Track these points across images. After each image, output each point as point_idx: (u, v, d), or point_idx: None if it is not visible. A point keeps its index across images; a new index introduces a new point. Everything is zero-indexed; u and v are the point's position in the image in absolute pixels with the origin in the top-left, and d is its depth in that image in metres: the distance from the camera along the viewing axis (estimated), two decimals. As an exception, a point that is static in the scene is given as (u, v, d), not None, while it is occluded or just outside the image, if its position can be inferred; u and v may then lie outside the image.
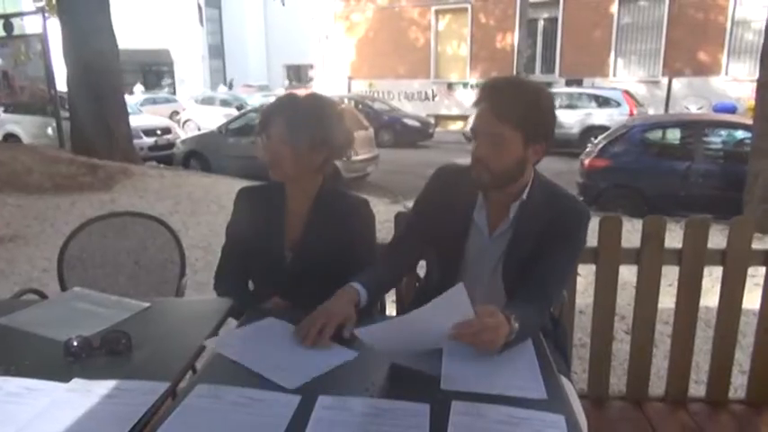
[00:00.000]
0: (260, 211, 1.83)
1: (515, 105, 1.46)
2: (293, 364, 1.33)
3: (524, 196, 1.58)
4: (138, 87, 25.45)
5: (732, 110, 13.42)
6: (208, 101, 19.52)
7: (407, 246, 1.74)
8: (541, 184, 1.61)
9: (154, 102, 19.59)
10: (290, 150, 1.70)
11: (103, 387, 1.22)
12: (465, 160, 1.61)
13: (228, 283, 1.87)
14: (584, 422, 1.48)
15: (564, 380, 1.57)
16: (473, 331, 1.25)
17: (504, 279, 1.61)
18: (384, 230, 1.83)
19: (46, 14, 10.02)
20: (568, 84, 16.35)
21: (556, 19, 17.51)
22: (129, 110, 10.28)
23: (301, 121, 1.70)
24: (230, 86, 29.60)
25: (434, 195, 1.70)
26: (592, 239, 2.31)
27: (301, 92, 1.95)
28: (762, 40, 5.75)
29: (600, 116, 12.73)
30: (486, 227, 1.62)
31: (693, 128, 7.21)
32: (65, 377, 1.25)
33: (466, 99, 18.31)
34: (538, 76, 17.60)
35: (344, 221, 1.77)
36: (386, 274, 1.66)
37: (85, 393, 1.20)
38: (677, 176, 6.73)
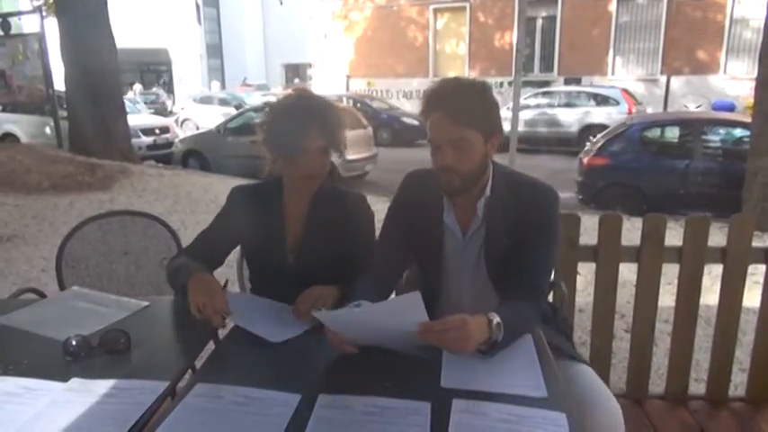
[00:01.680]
0: (257, 212, 1.79)
1: (469, 106, 1.46)
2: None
3: (488, 191, 1.58)
4: (138, 87, 25.30)
5: (731, 108, 13.42)
6: (206, 100, 19.49)
7: (391, 255, 1.70)
8: (502, 176, 1.61)
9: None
10: (327, 158, 1.72)
11: (102, 386, 1.22)
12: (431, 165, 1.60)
13: (184, 260, 1.76)
14: (617, 408, 1.48)
15: (582, 366, 1.57)
16: (438, 329, 1.24)
17: (490, 275, 1.60)
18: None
19: (44, 13, 9.99)
20: (567, 82, 16.35)
21: (554, 17, 17.49)
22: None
23: (332, 125, 1.69)
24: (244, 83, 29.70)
25: (405, 203, 1.69)
26: (592, 238, 2.32)
27: (287, 92, 1.91)
28: (760, 39, 5.75)
29: (598, 115, 12.71)
30: (457, 229, 1.62)
31: (692, 126, 7.21)
32: (64, 377, 1.25)
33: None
34: (536, 74, 17.61)
35: (344, 219, 1.76)
36: (378, 291, 1.60)
37: (84, 393, 1.20)
38: (676, 175, 6.72)
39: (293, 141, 1.65)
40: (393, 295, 1.76)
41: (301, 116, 1.67)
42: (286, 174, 1.76)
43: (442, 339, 1.25)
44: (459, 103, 1.46)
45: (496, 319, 1.30)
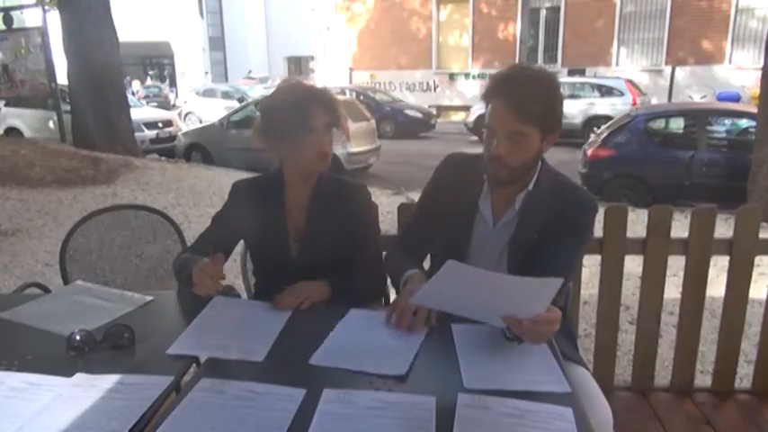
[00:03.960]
0: (259, 204, 1.78)
1: (534, 102, 1.44)
2: (252, 339, 1.41)
3: (530, 186, 1.57)
4: (136, 84, 25.08)
5: (736, 98, 13.33)
6: (209, 93, 19.47)
7: (419, 236, 1.74)
8: (548, 174, 1.60)
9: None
10: (331, 137, 1.71)
11: (107, 381, 1.22)
12: (473, 149, 1.60)
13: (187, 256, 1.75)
14: (608, 411, 1.47)
15: (582, 369, 1.56)
16: (551, 320, 1.23)
17: (509, 268, 1.59)
18: (387, 222, 1.82)
19: (46, 7, 9.96)
20: (571, 73, 16.25)
21: (558, 8, 17.38)
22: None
23: (332, 101, 1.70)
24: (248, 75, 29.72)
25: (443, 182, 1.70)
26: (597, 230, 2.30)
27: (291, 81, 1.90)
28: (766, 28, 5.70)
29: (603, 106, 12.67)
30: (490, 216, 1.62)
31: (697, 117, 7.17)
32: (68, 372, 1.25)
33: (468, 90, 18.23)
34: (540, 66, 17.49)
35: (346, 208, 1.75)
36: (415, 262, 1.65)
37: (89, 388, 1.20)
38: (681, 166, 6.68)
39: (299, 123, 1.65)
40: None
41: (301, 98, 1.67)
42: (294, 164, 1.74)
43: (546, 331, 1.24)
44: (524, 96, 1.43)
45: None
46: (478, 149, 1.62)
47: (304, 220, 1.77)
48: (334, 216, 1.74)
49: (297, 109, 1.65)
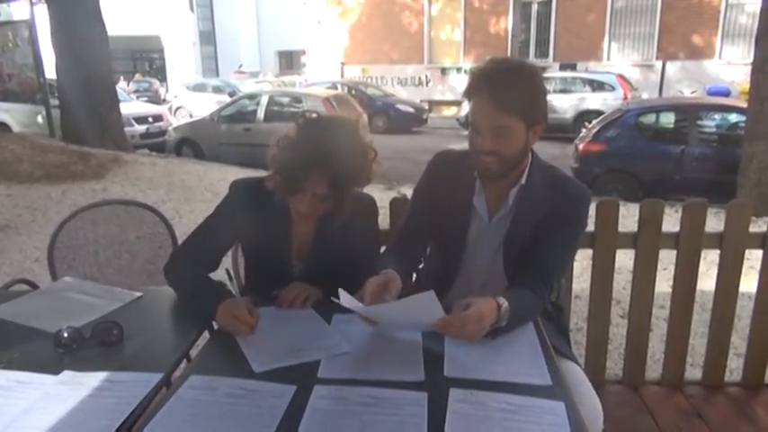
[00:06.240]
0: (262, 214, 1.65)
1: (516, 95, 1.42)
2: (317, 337, 1.41)
3: (523, 181, 1.57)
4: (124, 83, 24.65)
5: (726, 93, 13.38)
6: (199, 87, 19.35)
7: (416, 235, 1.72)
8: (540, 168, 1.60)
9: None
10: (323, 205, 1.58)
11: (95, 379, 1.20)
12: (461, 146, 1.58)
13: (188, 271, 1.65)
14: (598, 406, 1.47)
15: (573, 365, 1.57)
16: (457, 325, 1.27)
17: (505, 263, 1.60)
18: (379, 217, 1.81)
19: (33, 0, 9.85)
20: (562, 68, 16.24)
21: (549, 3, 17.37)
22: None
23: (348, 171, 1.53)
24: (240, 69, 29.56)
25: (433, 182, 1.68)
26: (588, 224, 2.30)
27: (318, 111, 1.67)
28: (756, 23, 5.73)
29: (594, 101, 12.69)
30: (485, 212, 1.61)
31: (687, 112, 7.20)
32: (55, 369, 1.23)
33: (460, 84, 18.19)
34: (532, 60, 17.49)
35: (355, 224, 1.66)
36: (403, 266, 1.59)
37: (76, 386, 1.18)
38: (672, 160, 6.72)
39: (294, 176, 1.52)
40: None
41: (314, 156, 1.49)
42: None
43: (462, 332, 1.27)
44: (505, 89, 1.42)
45: (505, 304, 1.32)
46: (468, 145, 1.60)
47: (312, 238, 1.68)
48: (342, 233, 1.64)
49: (300, 162, 1.50)
